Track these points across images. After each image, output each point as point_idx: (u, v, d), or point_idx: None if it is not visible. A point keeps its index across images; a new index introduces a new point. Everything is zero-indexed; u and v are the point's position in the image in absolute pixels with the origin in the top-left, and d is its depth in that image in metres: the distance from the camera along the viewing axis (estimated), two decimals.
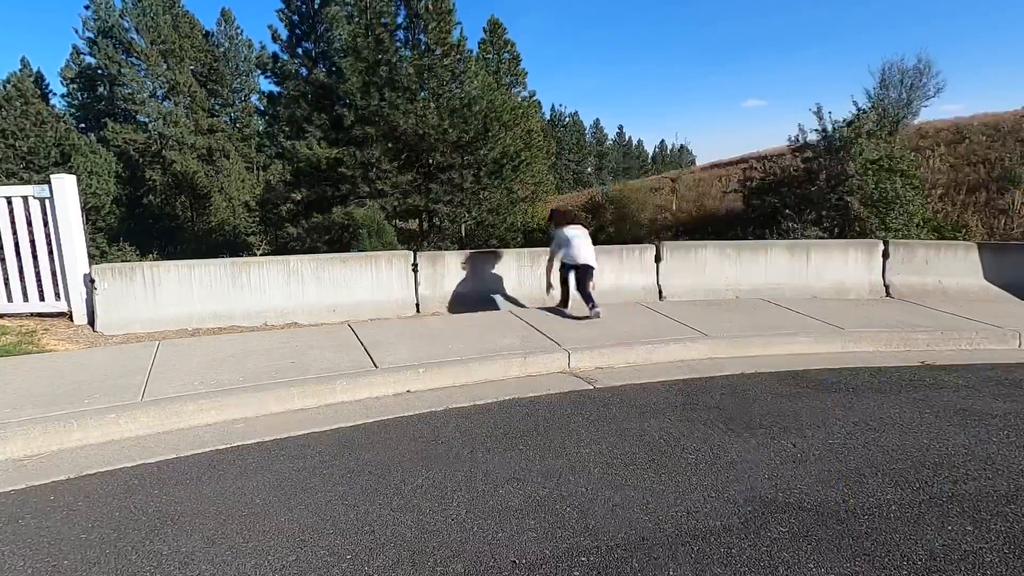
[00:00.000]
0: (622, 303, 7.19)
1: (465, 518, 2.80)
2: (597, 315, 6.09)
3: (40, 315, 6.20)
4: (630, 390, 4.57)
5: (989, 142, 19.79)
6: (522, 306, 6.92)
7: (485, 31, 32.75)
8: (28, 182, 20.68)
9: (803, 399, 4.36)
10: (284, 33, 24.88)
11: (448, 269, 6.96)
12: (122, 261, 19.15)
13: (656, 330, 5.84)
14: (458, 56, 20.87)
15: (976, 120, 22.33)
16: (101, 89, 35.95)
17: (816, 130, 16.15)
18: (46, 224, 6.02)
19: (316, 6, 24.25)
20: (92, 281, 5.97)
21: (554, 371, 5.00)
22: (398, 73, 19.16)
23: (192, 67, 36.19)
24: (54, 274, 6.10)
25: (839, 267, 7.85)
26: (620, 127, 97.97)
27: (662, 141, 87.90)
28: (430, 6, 20.03)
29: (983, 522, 2.73)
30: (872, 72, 43.55)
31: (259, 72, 34.41)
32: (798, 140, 16.58)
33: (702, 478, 3.16)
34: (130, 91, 33.25)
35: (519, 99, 28.91)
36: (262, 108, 31.81)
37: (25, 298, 6.12)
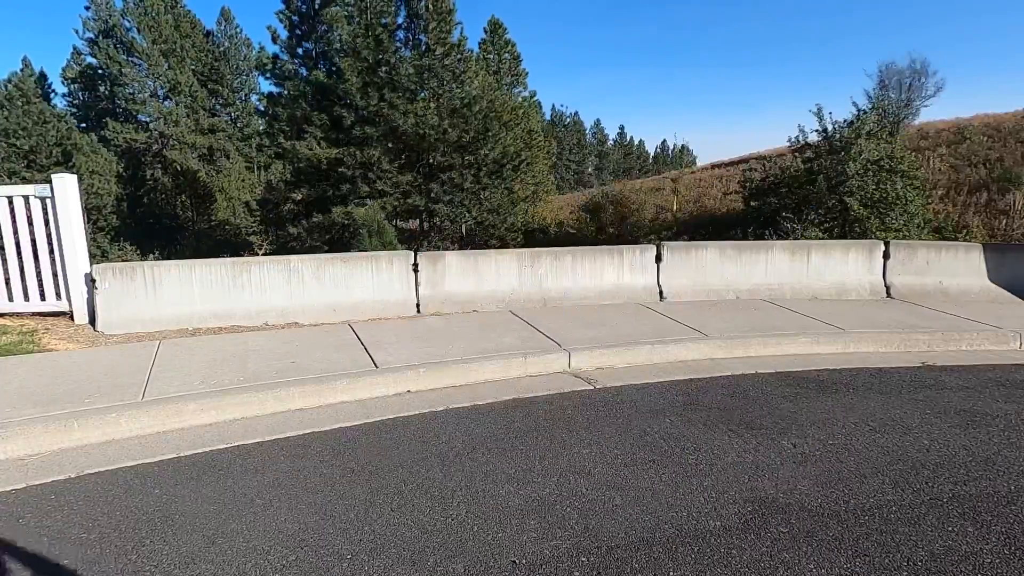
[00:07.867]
0: (622, 303, 7.19)
1: (465, 518, 2.80)
2: None
3: (41, 314, 6.20)
4: (630, 390, 4.57)
5: (990, 142, 19.77)
6: (522, 307, 6.92)
7: (485, 31, 32.76)
8: (30, 181, 20.68)
9: (803, 400, 4.36)
10: (284, 34, 24.93)
11: (448, 269, 6.96)
12: (123, 260, 19.18)
13: (656, 330, 5.84)
14: (458, 56, 20.87)
15: (977, 120, 22.31)
16: (102, 89, 35.94)
17: (816, 130, 16.13)
18: (47, 223, 6.02)
19: (316, 7, 24.27)
20: (93, 280, 5.97)
21: (554, 371, 5.00)
22: (398, 73, 19.16)
23: (193, 67, 36.15)
24: (55, 273, 6.10)
25: (840, 268, 7.85)
26: (621, 127, 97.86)
27: (663, 141, 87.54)
28: (430, 6, 20.04)
29: (984, 523, 2.73)
30: (870, 74, 43.69)
31: (259, 73, 34.51)
32: (798, 140, 16.54)
33: (702, 478, 3.16)
34: (131, 91, 33.23)
35: (519, 99, 28.88)
36: (262, 108, 31.89)
37: (26, 297, 6.11)
